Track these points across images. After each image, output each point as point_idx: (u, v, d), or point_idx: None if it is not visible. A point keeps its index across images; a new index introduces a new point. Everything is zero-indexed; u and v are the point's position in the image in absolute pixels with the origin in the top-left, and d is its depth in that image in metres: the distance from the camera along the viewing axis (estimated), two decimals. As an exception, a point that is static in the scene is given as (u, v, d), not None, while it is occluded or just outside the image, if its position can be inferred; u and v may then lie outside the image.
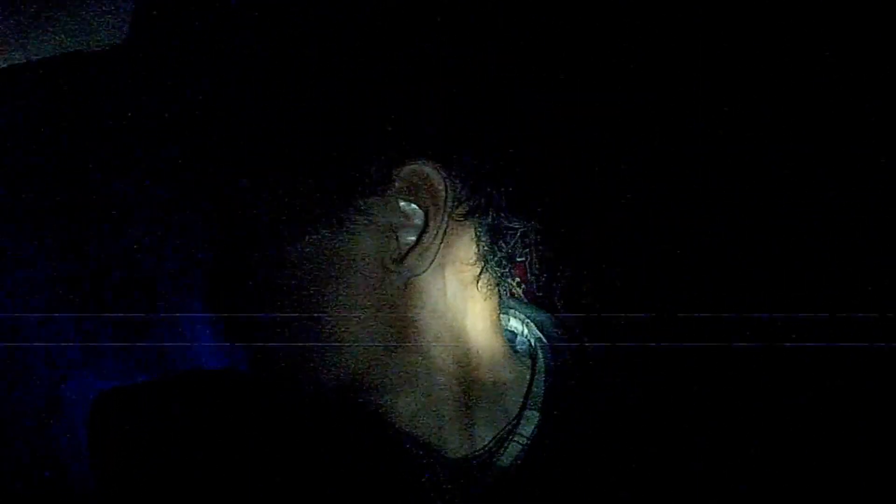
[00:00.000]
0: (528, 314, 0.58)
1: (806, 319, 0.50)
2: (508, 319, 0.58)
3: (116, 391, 0.59)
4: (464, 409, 0.52)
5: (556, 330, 0.57)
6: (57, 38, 0.57)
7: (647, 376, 0.54)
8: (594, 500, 0.49)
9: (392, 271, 0.48)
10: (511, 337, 0.58)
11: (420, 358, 0.50)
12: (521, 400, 0.53)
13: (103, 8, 0.57)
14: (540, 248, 0.54)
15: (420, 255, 0.48)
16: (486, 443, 0.52)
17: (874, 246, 0.49)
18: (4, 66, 0.57)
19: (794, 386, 0.50)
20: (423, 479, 0.51)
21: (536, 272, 0.54)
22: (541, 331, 0.57)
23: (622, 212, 0.55)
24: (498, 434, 0.52)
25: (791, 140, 0.51)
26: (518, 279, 0.59)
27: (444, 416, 0.52)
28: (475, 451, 0.52)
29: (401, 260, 0.48)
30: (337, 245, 0.47)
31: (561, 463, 0.50)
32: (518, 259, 0.53)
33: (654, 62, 0.53)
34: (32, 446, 0.58)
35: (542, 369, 0.54)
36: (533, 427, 0.52)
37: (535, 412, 0.52)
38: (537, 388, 0.53)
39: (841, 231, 0.50)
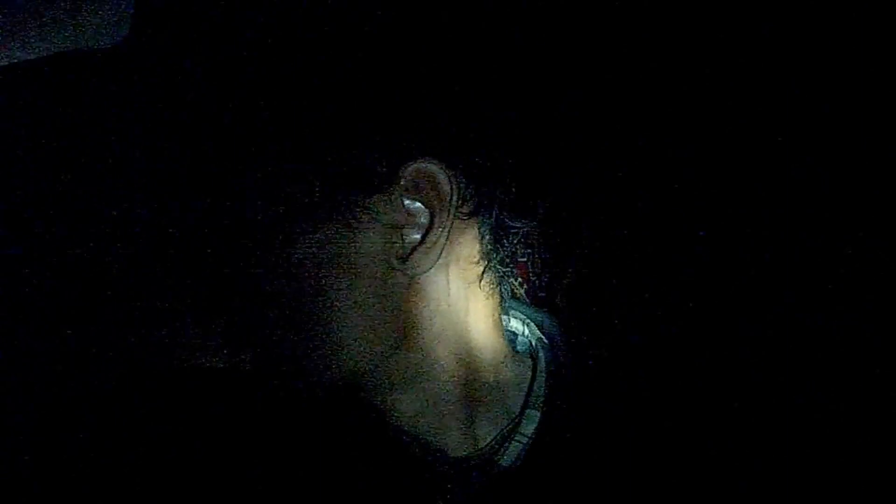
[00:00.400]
0: (529, 314, 0.59)
1: (805, 320, 0.50)
2: (509, 320, 0.58)
3: (115, 390, 0.59)
4: (466, 408, 0.52)
5: (556, 330, 0.57)
6: (56, 36, 0.57)
7: (646, 375, 0.54)
8: (595, 499, 0.49)
9: (397, 269, 0.48)
10: (511, 337, 0.58)
11: (423, 357, 0.50)
12: (523, 399, 0.53)
13: (103, 6, 0.57)
14: (542, 248, 0.54)
15: (425, 252, 0.47)
16: (487, 442, 0.52)
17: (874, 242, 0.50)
18: (4, 63, 0.56)
19: (795, 386, 0.51)
20: (424, 478, 0.51)
21: (538, 272, 0.54)
22: (541, 331, 0.57)
23: (623, 212, 0.55)
24: (499, 433, 0.52)
25: (792, 140, 0.51)
26: (520, 279, 0.59)
27: (445, 415, 0.52)
28: (477, 450, 0.52)
29: (406, 258, 0.48)
30: (342, 243, 0.47)
31: (562, 462, 0.50)
32: (520, 259, 0.53)
33: (656, 63, 0.53)
34: (32, 446, 0.58)
35: (543, 369, 0.54)
36: (534, 426, 0.52)
37: (536, 411, 0.52)
38: (538, 387, 0.53)
39: (843, 242, 0.50)
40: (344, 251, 0.47)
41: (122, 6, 0.57)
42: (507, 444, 0.51)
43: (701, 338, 0.54)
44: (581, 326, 0.57)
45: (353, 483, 0.50)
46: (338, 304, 0.48)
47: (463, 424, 0.52)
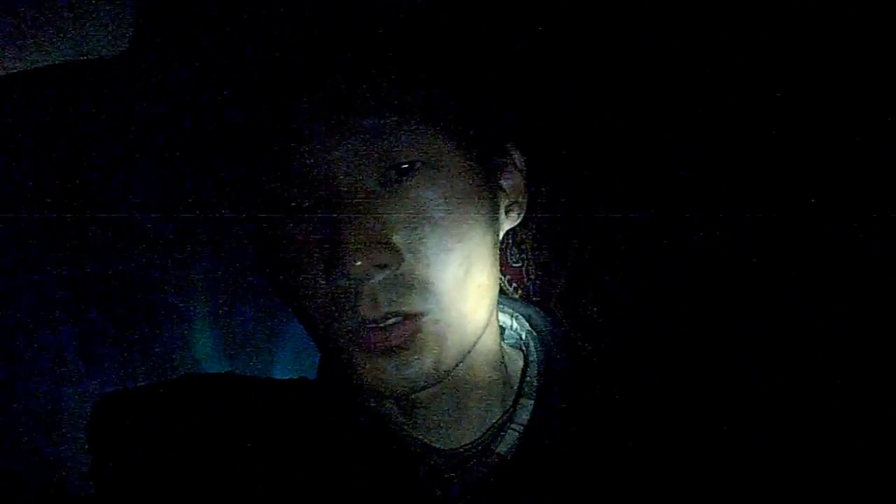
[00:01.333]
0: (517, 308, 0.60)
1: (805, 320, 0.51)
2: (496, 314, 0.58)
3: (117, 394, 0.59)
4: (463, 398, 0.54)
5: (546, 323, 0.59)
6: (58, 47, 0.57)
7: (638, 365, 0.56)
8: (589, 484, 0.50)
9: (503, 221, 0.54)
10: (500, 331, 0.58)
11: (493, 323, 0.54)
12: (516, 389, 0.55)
13: (104, 17, 0.57)
14: (536, 253, 0.56)
15: (520, 204, 0.54)
16: (483, 431, 0.54)
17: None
18: (4, 73, 0.56)
19: (793, 386, 0.51)
20: (421, 470, 0.52)
21: (532, 277, 0.56)
22: (529, 323, 0.59)
23: (618, 216, 0.56)
24: (495, 423, 0.54)
25: (792, 140, 0.51)
26: (515, 284, 0.61)
27: (445, 406, 0.53)
28: (473, 440, 0.54)
29: (508, 209, 0.54)
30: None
31: (556, 448, 0.52)
32: (515, 265, 0.56)
33: (653, 65, 0.54)
34: (33, 450, 0.57)
35: (535, 360, 0.56)
36: (528, 414, 0.53)
37: (529, 400, 0.54)
38: (530, 377, 0.55)
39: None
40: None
41: (123, 17, 0.57)
42: (502, 433, 0.53)
43: (691, 328, 0.55)
44: (573, 323, 0.58)
45: (352, 479, 0.51)
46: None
47: (460, 414, 0.54)
